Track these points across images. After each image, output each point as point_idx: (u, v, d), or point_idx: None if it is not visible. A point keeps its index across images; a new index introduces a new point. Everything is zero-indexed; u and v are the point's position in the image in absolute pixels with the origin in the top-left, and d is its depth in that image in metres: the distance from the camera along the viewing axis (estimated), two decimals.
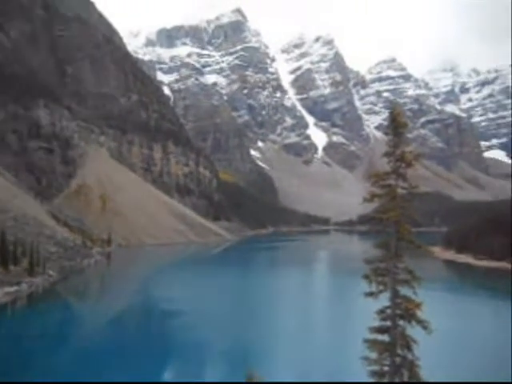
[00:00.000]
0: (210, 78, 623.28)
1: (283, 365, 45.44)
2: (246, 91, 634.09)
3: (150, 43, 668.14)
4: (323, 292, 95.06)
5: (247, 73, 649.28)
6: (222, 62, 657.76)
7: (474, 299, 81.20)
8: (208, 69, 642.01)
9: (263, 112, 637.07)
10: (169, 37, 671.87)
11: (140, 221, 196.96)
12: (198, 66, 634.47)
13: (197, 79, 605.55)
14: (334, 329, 58.51)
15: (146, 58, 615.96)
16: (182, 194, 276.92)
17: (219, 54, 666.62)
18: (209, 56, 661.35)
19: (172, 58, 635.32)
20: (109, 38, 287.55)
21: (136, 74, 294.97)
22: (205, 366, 45.33)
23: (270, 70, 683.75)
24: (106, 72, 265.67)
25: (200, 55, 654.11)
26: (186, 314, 66.28)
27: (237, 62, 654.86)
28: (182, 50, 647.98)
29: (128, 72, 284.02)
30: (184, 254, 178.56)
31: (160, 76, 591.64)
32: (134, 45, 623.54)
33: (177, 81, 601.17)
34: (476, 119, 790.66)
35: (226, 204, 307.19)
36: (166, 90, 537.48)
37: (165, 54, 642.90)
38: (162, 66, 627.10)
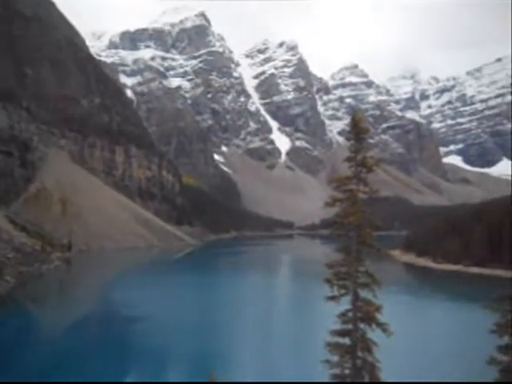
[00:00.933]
0: (173, 82, 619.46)
1: (245, 369, 45.37)
2: (210, 95, 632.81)
3: (113, 45, 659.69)
4: (286, 296, 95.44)
5: (211, 77, 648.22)
6: (186, 65, 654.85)
7: (433, 302, 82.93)
8: (172, 72, 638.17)
9: (227, 116, 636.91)
10: (132, 39, 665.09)
11: (101, 225, 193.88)
12: (161, 69, 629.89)
13: (160, 82, 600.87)
14: (296, 332, 58.77)
15: (109, 60, 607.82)
16: (145, 198, 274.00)
17: (183, 57, 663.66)
18: (173, 59, 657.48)
19: (135, 61, 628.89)
20: (70, 40, 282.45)
21: (98, 76, 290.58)
22: (166, 371, 44.93)
23: (234, 74, 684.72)
24: (67, 74, 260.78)
25: (164, 58, 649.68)
26: (147, 319, 65.53)
27: (201, 65, 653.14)
28: (146, 53, 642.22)
29: (90, 74, 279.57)
30: (145, 259, 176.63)
31: (123, 79, 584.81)
32: (97, 47, 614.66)
33: (140, 84, 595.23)
34: (435, 125, 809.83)
35: (188, 208, 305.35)
36: (129, 93, 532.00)
37: (128, 56, 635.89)
38: (125, 68, 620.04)
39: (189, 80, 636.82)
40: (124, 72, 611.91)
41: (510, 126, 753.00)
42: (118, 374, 42.64)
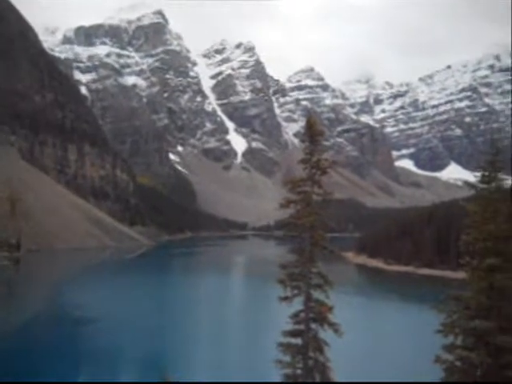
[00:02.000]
0: (129, 80, 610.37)
1: (198, 369, 45.17)
2: (166, 94, 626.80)
3: (67, 41, 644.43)
4: (239, 297, 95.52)
5: (168, 76, 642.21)
6: (142, 63, 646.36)
7: (384, 302, 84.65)
8: (127, 70, 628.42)
9: (183, 116, 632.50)
10: (87, 35, 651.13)
11: (52, 224, 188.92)
12: (117, 66, 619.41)
13: (116, 80, 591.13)
14: (249, 333, 58.92)
15: (63, 56, 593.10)
16: (98, 197, 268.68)
17: (139, 55, 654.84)
18: (128, 57, 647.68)
19: (90, 58, 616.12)
20: (22, 33, 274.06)
21: (52, 71, 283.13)
22: (117, 371, 44.27)
23: (191, 74, 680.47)
24: (18, 68, 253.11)
25: (119, 56, 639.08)
26: (97, 320, 64.33)
27: (157, 64, 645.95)
28: (101, 50, 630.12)
29: (43, 69, 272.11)
30: (98, 259, 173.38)
31: (77, 75, 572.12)
32: (51, 42, 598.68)
33: (95, 81, 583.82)
34: (388, 130, 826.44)
35: (143, 208, 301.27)
36: (84, 90, 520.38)
37: (83, 52, 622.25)
38: (80, 64, 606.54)
39: (145, 78, 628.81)
40: (78, 68, 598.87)
41: (458, 131, 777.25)
42: (66, 376, 41.69)
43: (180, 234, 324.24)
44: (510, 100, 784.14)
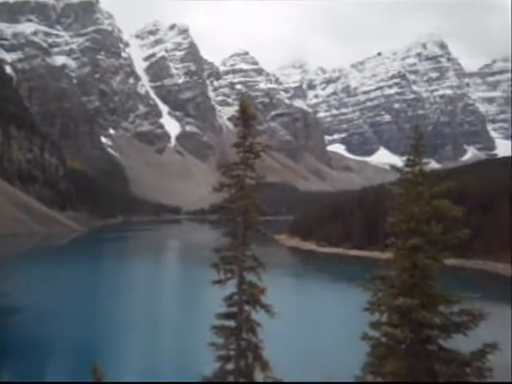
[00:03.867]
0: (58, 60, 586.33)
1: (130, 356, 44.82)
2: (97, 76, 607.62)
3: None
4: (173, 282, 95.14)
5: (99, 56, 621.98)
6: (72, 43, 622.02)
7: (316, 283, 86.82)
8: (56, 49, 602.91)
9: (115, 98, 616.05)
10: (11, 11, 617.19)
11: None
12: (44, 45, 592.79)
13: (43, 60, 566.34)
14: (182, 317, 58.89)
15: None
16: (25, 181, 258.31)
17: (69, 34, 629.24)
18: (57, 36, 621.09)
19: (15, 35, 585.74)
20: None
21: None
22: (46, 363, 43.16)
23: (123, 55, 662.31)
24: None
25: (47, 34, 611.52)
26: (25, 310, 62.32)
27: (88, 44, 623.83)
28: (27, 27, 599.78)
29: None
30: (25, 246, 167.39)
31: (1, 54, 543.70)
32: None
33: (21, 60, 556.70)
34: (321, 115, 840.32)
35: (73, 193, 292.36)
36: (9, 70, 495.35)
37: (7, 29, 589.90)
38: (4, 42, 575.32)
39: (75, 59, 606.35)
40: (2, 46, 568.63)
41: (388, 117, 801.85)
42: None
43: (112, 218, 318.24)
44: (435, 88, 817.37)
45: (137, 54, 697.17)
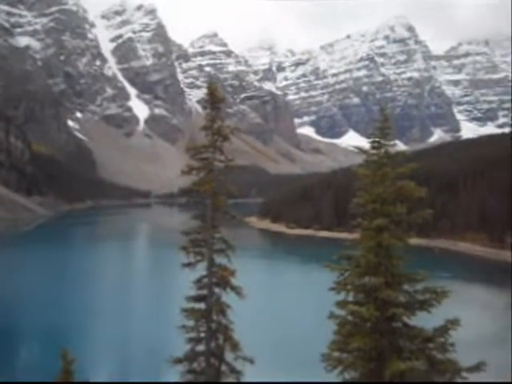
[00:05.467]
0: (21, 41, 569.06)
1: (100, 341, 44.69)
2: (62, 57, 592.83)
3: None
4: (142, 266, 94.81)
5: (64, 37, 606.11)
6: (36, 23, 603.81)
7: (285, 264, 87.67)
8: (19, 30, 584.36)
9: (82, 81, 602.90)
10: None
11: None
12: (7, 25, 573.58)
13: (6, 40, 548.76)
14: (152, 301, 58.88)
15: None
16: None
17: (32, 14, 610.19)
18: (20, 16, 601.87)
19: None
20: None
21: None
22: (17, 351, 42.71)
23: (89, 36, 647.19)
24: None
25: (9, 14, 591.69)
26: None
27: (52, 24, 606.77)
28: None
29: None
30: None
31: None
32: None
33: None
34: (290, 97, 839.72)
35: (40, 177, 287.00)
36: None
37: None
38: None
39: (39, 40, 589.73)
40: None
41: (356, 99, 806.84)
42: None
43: (80, 203, 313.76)
44: (402, 70, 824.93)
45: (103, 36, 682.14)
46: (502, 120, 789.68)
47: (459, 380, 12.85)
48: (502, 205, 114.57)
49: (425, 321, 13.72)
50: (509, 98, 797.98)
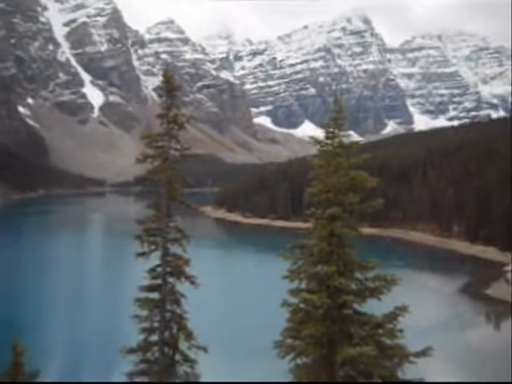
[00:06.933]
0: None
1: (53, 334, 43.91)
2: (13, 41, 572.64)
3: None
4: (96, 256, 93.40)
5: (15, 20, 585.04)
6: None
7: (241, 253, 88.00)
8: None
9: (33, 65, 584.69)
10: None
11: None
12: None
13: None
14: (107, 291, 58.17)
15: None
16: None
17: None
18: None
19: None
20: None
21: None
22: None
23: (42, 19, 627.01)
24: None
25: None
26: None
27: (2, 6, 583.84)
28: None
29: None
30: None
31: None
32: None
33: None
34: (247, 87, 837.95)
35: None
36: None
37: None
38: None
39: None
40: None
41: (312, 90, 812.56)
42: None
43: (32, 192, 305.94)
44: (358, 62, 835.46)
45: (56, 19, 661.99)
46: (452, 113, 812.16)
47: (407, 364, 13.28)
48: (450, 195, 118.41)
49: (375, 308, 14.09)
50: (459, 91, 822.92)
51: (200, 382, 17.97)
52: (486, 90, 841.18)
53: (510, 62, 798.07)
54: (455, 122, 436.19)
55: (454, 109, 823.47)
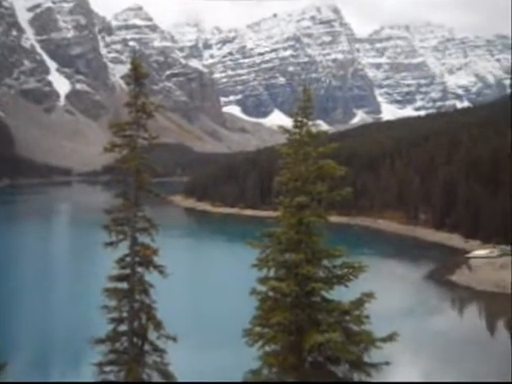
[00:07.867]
0: None
1: (21, 325, 43.31)
2: None
3: None
4: (63, 246, 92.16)
5: None
6: None
7: (209, 242, 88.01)
8: None
9: None
10: None
11: None
12: None
13: None
14: (74, 282, 57.53)
15: None
16: None
17: None
18: None
19: None
20: None
21: None
22: None
23: (4, 4, 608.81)
24: None
25: None
26: None
27: None
28: None
29: None
30: None
31: None
32: None
33: None
34: (217, 75, 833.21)
35: None
36: None
37: None
38: None
39: None
40: None
41: (282, 79, 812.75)
42: None
43: None
44: (327, 52, 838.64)
45: (20, 4, 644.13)
46: (419, 103, 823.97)
47: (373, 350, 13.55)
48: (417, 184, 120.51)
49: (342, 294, 14.31)
50: (426, 81, 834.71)
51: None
52: (451, 81, 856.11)
53: (474, 53, 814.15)
54: (422, 112, 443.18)
55: (421, 99, 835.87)
